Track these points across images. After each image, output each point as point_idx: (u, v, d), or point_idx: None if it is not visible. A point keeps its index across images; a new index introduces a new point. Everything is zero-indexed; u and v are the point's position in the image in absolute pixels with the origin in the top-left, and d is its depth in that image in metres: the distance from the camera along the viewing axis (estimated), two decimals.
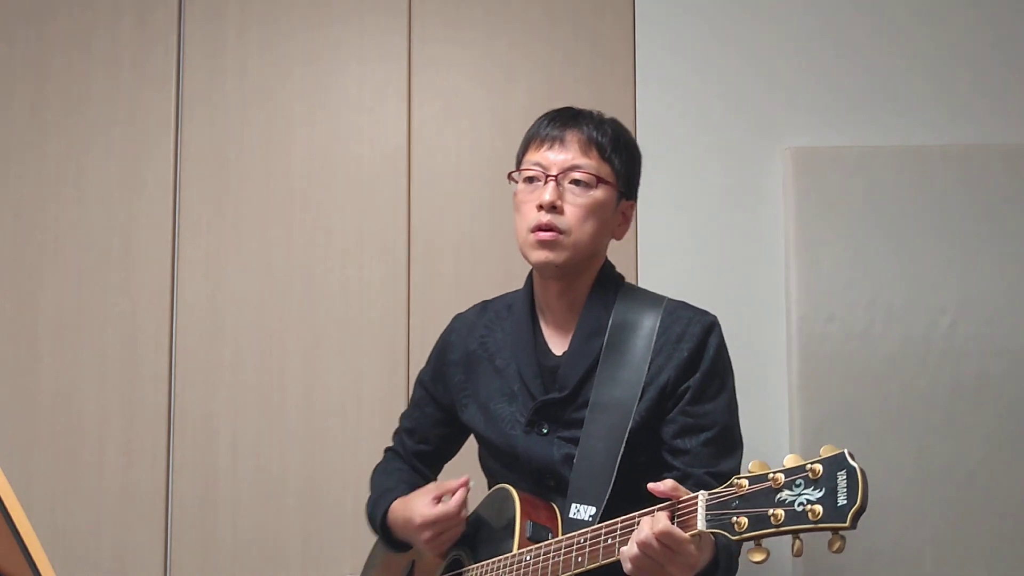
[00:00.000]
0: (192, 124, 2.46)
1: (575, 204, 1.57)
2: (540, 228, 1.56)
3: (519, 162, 1.65)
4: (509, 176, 1.66)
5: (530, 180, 1.61)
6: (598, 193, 1.58)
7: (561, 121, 1.62)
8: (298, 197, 2.44)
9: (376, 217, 2.42)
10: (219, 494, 2.37)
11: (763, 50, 2.44)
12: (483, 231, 2.41)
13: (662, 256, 2.40)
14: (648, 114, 2.43)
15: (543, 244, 1.56)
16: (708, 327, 1.59)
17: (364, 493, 1.78)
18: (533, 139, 1.63)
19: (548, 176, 1.57)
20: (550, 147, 1.59)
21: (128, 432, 2.38)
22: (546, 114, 1.66)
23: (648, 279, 2.39)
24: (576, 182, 1.57)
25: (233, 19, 2.48)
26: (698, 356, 1.56)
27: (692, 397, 1.55)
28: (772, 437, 2.33)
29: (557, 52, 2.46)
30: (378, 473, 1.83)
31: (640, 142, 2.42)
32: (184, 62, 2.47)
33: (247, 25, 2.48)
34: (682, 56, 2.44)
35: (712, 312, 2.50)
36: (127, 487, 2.36)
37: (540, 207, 1.56)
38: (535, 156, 1.61)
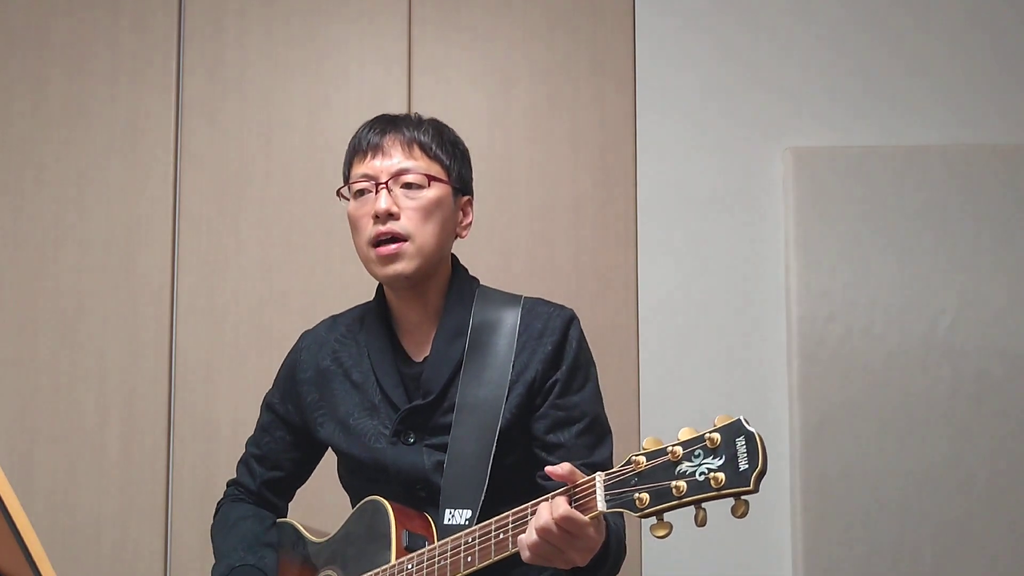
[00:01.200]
0: (192, 126, 2.46)
1: (411, 207, 1.53)
2: (381, 240, 1.52)
3: (346, 178, 1.62)
4: (338, 193, 1.63)
5: (360, 193, 1.57)
6: (432, 192, 1.54)
7: (380, 128, 1.59)
8: (298, 198, 2.44)
9: None
10: (219, 494, 2.36)
11: (763, 51, 2.44)
12: (482, 231, 2.41)
13: (662, 256, 2.40)
14: (648, 115, 2.43)
15: (388, 258, 1.52)
16: (568, 320, 1.57)
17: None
18: (356, 151, 1.60)
19: (379, 185, 1.54)
20: (374, 156, 1.56)
21: (128, 432, 2.38)
22: (364, 124, 1.62)
23: (648, 279, 2.39)
24: (408, 185, 1.54)
25: (233, 23, 2.48)
26: (562, 349, 1.55)
27: (560, 390, 1.53)
28: (772, 437, 2.32)
29: (556, 54, 2.46)
30: (219, 524, 1.74)
31: (640, 143, 2.45)
32: (184, 65, 2.47)
33: (247, 28, 2.48)
34: (681, 57, 2.45)
35: (709, 311, 2.49)
36: (127, 487, 2.37)
37: (376, 217, 1.52)
38: (361, 168, 1.57)
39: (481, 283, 1.67)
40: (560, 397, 1.54)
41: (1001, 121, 2.40)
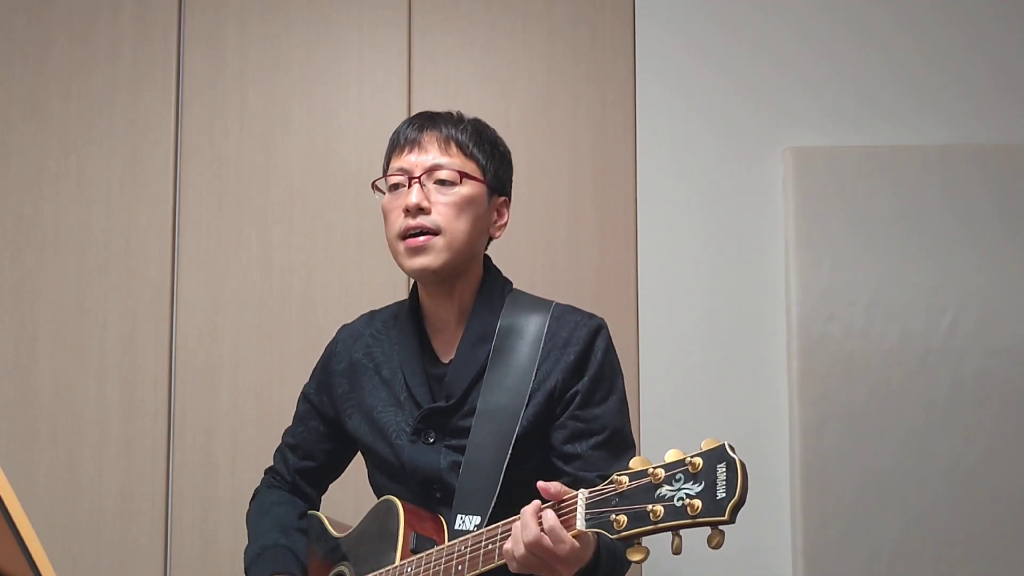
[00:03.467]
0: (192, 123, 2.46)
1: (442, 203, 1.53)
2: (409, 233, 1.53)
3: (384, 171, 1.63)
4: (374, 186, 1.64)
5: (395, 187, 1.58)
6: (464, 189, 1.55)
7: (419, 123, 1.60)
8: (298, 196, 2.44)
9: (376, 216, 2.39)
10: (219, 494, 2.37)
11: (763, 50, 2.44)
12: None
13: (662, 256, 2.40)
14: (648, 115, 2.43)
15: (416, 251, 1.53)
16: (595, 330, 1.56)
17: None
18: (394, 146, 1.61)
19: (412, 179, 1.55)
20: (410, 151, 1.57)
21: (128, 432, 2.38)
22: (405, 119, 1.64)
23: (648, 279, 2.39)
24: (441, 181, 1.55)
25: (232, 22, 2.48)
26: (585, 360, 1.53)
27: (581, 401, 1.52)
28: (772, 437, 2.33)
29: (557, 56, 2.45)
30: (255, 509, 1.76)
31: (640, 142, 2.45)
32: (184, 60, 2.47)
33: (246, 20, 2.48)
34: (681, 56, 2.45)
35: (710, 312, 2.48)
36: (127, 487, 2.36)
37: (406, 211, 1.53)
38: (397, 162, 1.59)
39: (514, 286, 1.66)
40: (580, 408, 1.52)
41: (1004, 121, 2.40)
